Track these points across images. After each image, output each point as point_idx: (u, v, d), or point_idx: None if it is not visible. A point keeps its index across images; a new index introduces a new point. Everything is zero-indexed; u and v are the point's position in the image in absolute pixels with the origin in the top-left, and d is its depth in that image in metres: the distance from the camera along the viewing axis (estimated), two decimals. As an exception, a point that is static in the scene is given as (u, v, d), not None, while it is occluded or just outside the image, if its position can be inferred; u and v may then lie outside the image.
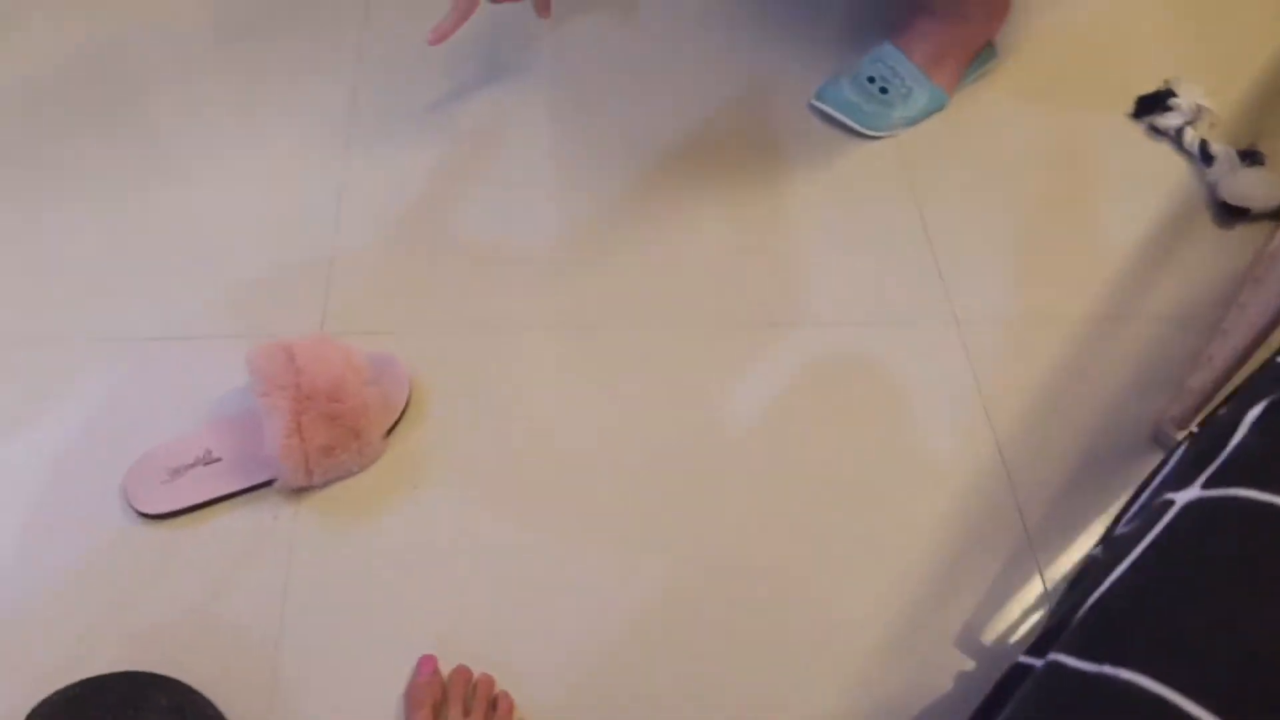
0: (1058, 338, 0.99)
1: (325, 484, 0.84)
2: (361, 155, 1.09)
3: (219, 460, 0.85)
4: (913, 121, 1.15)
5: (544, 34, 1.22)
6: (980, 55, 1.19)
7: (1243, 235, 1.06)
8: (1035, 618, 0.84)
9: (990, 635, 0.83)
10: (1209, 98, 1.15)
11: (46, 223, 1.02)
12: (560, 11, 1.22)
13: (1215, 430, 0.49)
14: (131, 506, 0.82)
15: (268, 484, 0.84)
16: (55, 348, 0.93)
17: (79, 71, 1.15)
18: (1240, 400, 0.50)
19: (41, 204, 1.03)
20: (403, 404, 0.88)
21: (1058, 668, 0.42)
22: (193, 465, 0.84)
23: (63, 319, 0.95)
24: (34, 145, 1.08)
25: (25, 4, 1.22)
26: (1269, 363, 0.54)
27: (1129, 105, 1.18)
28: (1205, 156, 1.11)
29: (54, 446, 0.87)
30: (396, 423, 0.88)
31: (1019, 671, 0.54)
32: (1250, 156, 1.09)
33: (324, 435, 0.81)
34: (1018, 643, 0.83)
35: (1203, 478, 0.45)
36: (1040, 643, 0.53)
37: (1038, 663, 0.48)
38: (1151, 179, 1.12)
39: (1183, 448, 0.64)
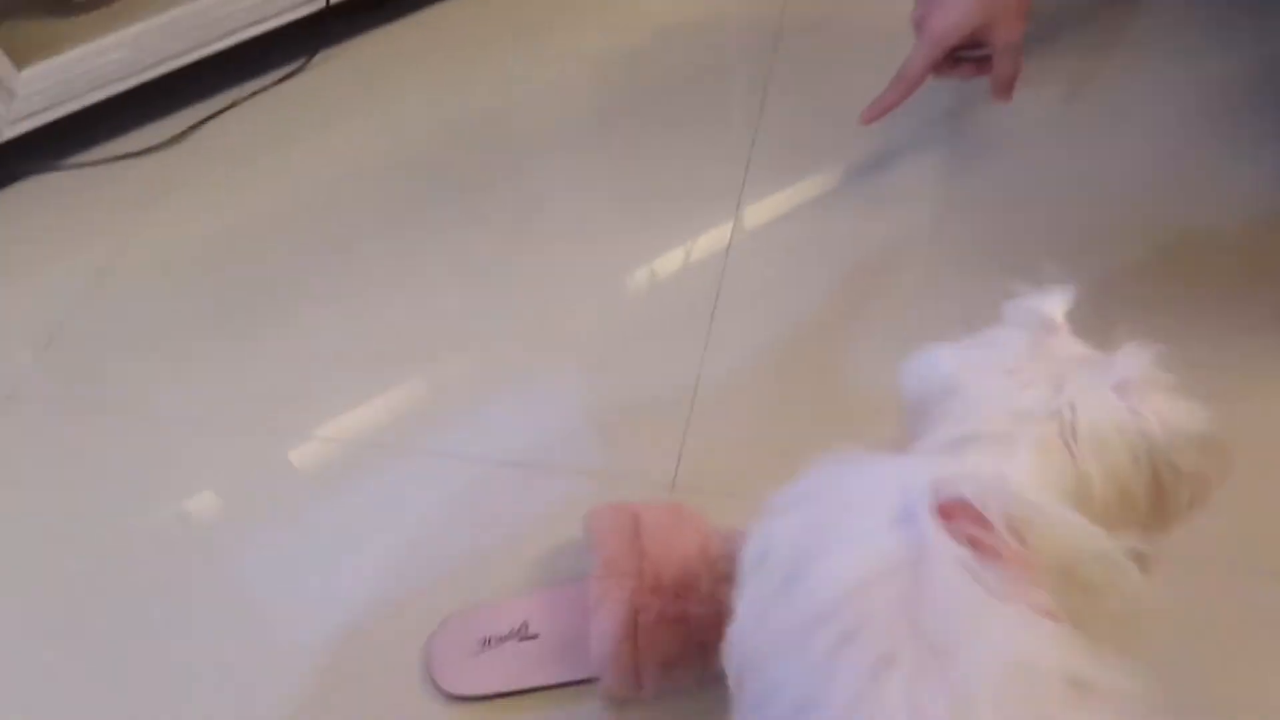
0: None
1: (658, 698, 0.66)
2: (740, 264, 0.92)
3: (535, 637, 0.69)
4: None
5: (945, 148, 0.99)
6: None
7: None
8: None
9: None
10: None
11: (390, 310, 0.94)
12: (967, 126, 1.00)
13: None
14: (431, 677, 0.69)
15: (589, 680, 0.67)
16: (376, 455, 0.83)
17: (455, 144, 1.08)
18: None
19: (391, 288, 0.96)
20: (764, 609, 0.68)
21: None
22: (506, 638, 0.69)
23: (393, 424, 0.86)
24: (401, 209, 1.02)
25: (422, 60, 1.18)
26: None
27: None
28: None
29: (371, 575, 0.76)
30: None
31: None
32: None
33: (663, 644, 0.63)
34: None
35: None
36: None
37: None
38: None
39: None
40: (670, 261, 0.94)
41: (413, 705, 0.69)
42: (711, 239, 0.95)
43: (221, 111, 1.15)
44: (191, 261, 1.01)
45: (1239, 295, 0.83)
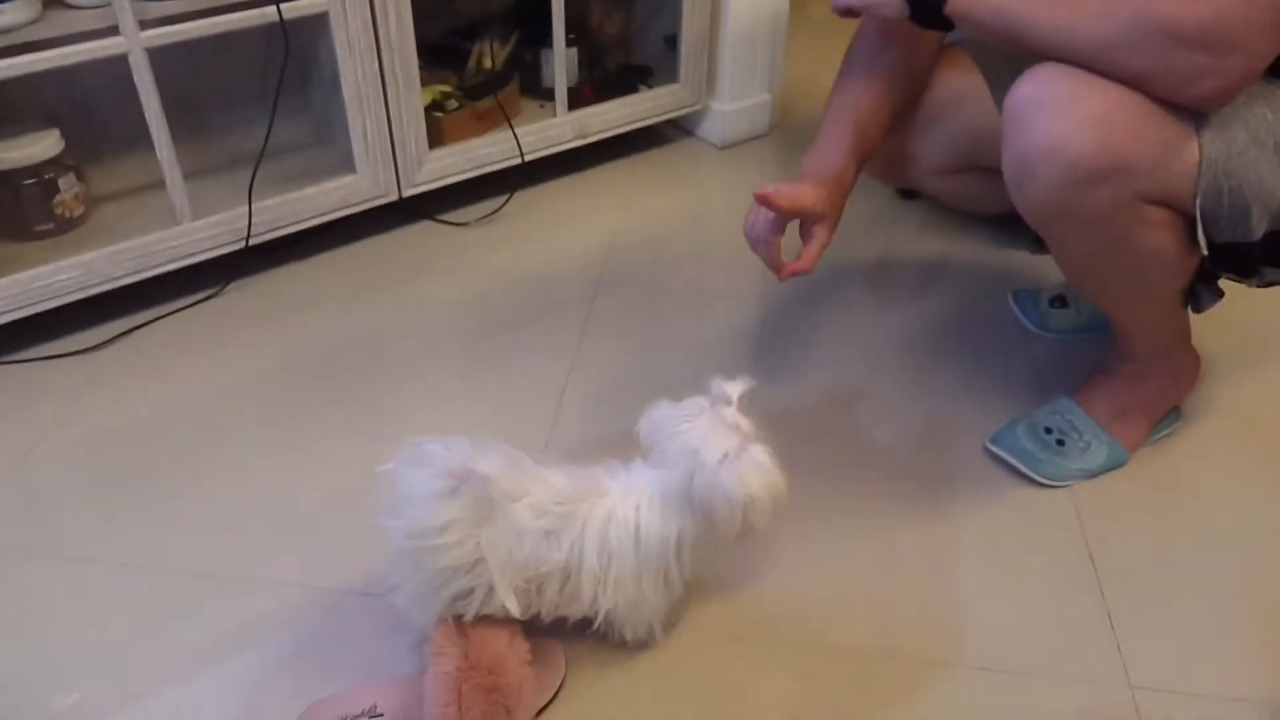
0: (1249, 726, 0.92)
1: (473, 756, 0.88)
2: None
3: (381, 716, 0.90)
4: (1091, 475, 1.16)
5: (726, 364, 1.34)
6: (1166, 418, 1.20)
7: None
8: None
9: None
10: None
11: (268, 472, 1.18)
12: (738, 322, 1.36)
13: None
14: (295, 750, 0.88)
15: (422, 746, 0.88)
16: (254, 588, 1.05)
17: (342, 355, 1.37)
18: None
19: (272, 455, 1.20)
20: (555, 688, 0.92)
21: None
22: (359, 717, 0.90)
23: (267, 561, 1.07)
24: (286, 410, 1.27)
25: (315, 295, 1.48)
26: None
27: (1330, 484, 1.14)
28: None
29: (236, 684, 0.95)
30: (546, 706, 0.91)
31: None
32: None
33: (480, 708, 0.86)
34: None
35: None
36: None
37: None
38: (1358, 563, 1.05)
39: None
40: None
41: (278, 773, 0.88)
42: (534, 436, 1.24)
43: (145, 325, 1.41)
44: (99, 450, 1.23)
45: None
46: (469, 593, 0.87)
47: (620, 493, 0.90)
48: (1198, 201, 0.93)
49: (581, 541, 0.88)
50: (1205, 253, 0.95)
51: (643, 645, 0.97)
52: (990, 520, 1.11)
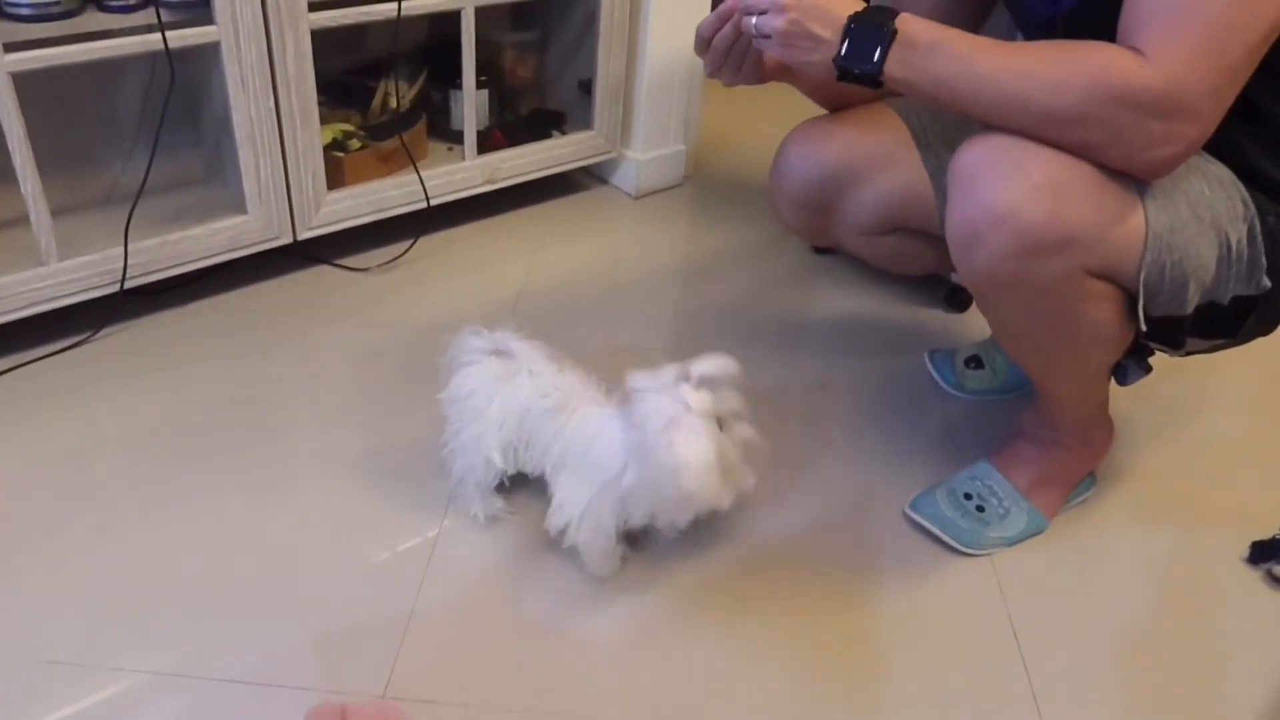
0: (1173, 807, 0.89)
1: None
2: (456, 521, 1.13)
3: (249, 825, 0.80)
4: (1010, 542, 1.13)
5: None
6: (1082, 483, 1.18)
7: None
8: None
9: None
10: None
11: (142, 550, 1.07)
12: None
13: None
14: None
15: None
16: (122, 678, 0.93)
17: (225, 408, 1.26)
18: None
19: (145, 520, 1.09)
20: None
21: None
22: (222, 827, 0.80)
23: (129, 643, 0.96)
24: (161, 470, 1.16)
25: (198, 343, 1.37)
26: None
27: (1243, 549, 1.14)
28: (1332, 617, 1.04)
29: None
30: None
31: None
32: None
33: (360, 818, 0.77)
34: None
35: None
36: None
37: None
38: (1272, 631, 1.04)
39: None
40: (396, 514, 1.13)
41: None
42: (434, 497, 1.15)
43: (4, 372, 1.28)
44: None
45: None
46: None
47: (598, 409, 1.02)
48: (1141, 276, 0.91)
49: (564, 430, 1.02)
50: (1143, 328, 0.93)
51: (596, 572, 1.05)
52: (912, 595, 1.07)
